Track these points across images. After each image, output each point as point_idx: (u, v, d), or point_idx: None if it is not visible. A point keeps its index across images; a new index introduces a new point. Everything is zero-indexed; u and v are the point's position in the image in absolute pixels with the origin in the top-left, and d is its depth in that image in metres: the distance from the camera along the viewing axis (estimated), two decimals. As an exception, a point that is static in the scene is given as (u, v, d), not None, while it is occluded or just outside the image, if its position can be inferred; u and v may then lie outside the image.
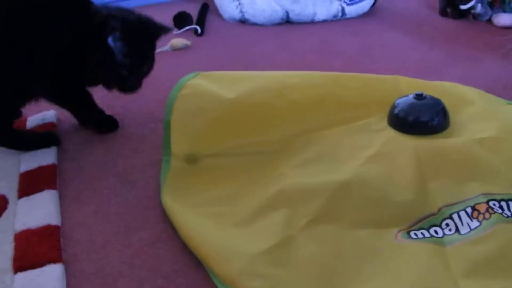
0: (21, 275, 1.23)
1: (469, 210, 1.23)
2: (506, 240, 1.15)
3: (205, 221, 1.33)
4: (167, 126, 1.59)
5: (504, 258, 1.13)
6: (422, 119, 1.51)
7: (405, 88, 1.70)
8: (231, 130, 1.59)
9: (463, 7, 2.71)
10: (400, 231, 1.22)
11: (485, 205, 1.23)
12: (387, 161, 1.41)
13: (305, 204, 1.30)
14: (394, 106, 1.56)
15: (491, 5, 2.72)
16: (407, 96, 1.58)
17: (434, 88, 1.70)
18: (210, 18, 2.87)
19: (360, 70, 2.05)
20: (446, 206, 1.26)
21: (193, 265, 1.23)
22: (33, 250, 1.29)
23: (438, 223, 1.23)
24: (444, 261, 1.15)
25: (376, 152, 1.44)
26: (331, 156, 1.48)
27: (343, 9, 2.72)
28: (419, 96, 1.55)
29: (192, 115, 1.61)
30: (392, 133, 1.52)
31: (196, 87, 1.69)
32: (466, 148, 1.41)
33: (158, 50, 1.70)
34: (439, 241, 1.19)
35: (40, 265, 1.24)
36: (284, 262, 1.18)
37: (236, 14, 2.74)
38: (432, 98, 1.56)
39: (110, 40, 1.53)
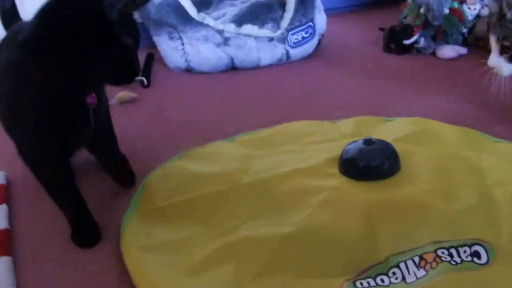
0: None
1: (416, 259, 1.24)
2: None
3: (158, 268, 1.33)
4: (141, 187, 1.64)
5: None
6: (371, 164, 1.52)
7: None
8: (192, 183, 1.61)
9: (406, 42, 2.77)
10: (346, 280, 1.21)
11: (433, 254, 1.24)
12: (335, 209, 1.41)
13: (253, 257, 1.30)
14: (343, 152, 1.56)
15: (434, 38, 2.78)
16: (356, 141, 1.58)
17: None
18: (156, 68, 2.84)
19: (308, 114, 2.07)
20: (394, 254, 1.26)
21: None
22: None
23: (385, 271, 1.22)
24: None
25: (325, 199, 1.43)
26: (280, 205, 1.48)
27: (287, 52, 2.73)
28: (368, 141, 1.55)
29: (163, 179, 1.66)
30: (341, 179, 1.51)
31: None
32: (417, 197, 1.42)
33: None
34: (385, 290, 1.19)
35: None
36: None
37: (181, 63, 2.72)
38: (381, 142, 1.57)
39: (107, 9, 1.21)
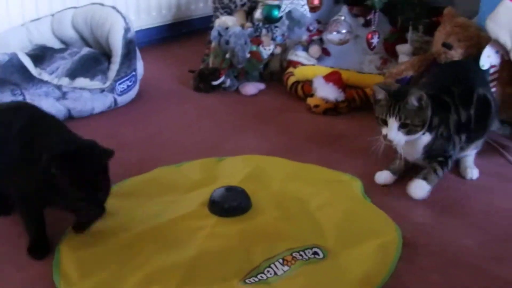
0: None
1: (280, 261, 1.80)
2: (309, 276, 1.76)
3: None
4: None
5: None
6: (233, 204, 2.04)
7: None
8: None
9: (215, 83, 3.20)
10: (239, 281, 1.73)
11: (290, 256, 1.82)
12: (218, 238, 1.90)
13: (171, 277, 1.73)
14: (211, 198, 2.06)
15: (237, 78, 3.24)
16: (219, 188, 2.10)
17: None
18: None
19: (151, 159, 2.42)
20: (265, 260, 1.80)
21: None
22: None
23: (262, 271, 1.77)
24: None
25: (208, 234, 1.92)
26: (174, 243, 1.89)
27: (115, 100, 3.01)
28: (228, 189, 2.10)
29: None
30: (214, 218, 2.00)
31: None
32: (270, 223, 2.01)
33: None
34: (266, 282, 1.74)
35: None
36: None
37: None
38: (236, 188, 2.12)
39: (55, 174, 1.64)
